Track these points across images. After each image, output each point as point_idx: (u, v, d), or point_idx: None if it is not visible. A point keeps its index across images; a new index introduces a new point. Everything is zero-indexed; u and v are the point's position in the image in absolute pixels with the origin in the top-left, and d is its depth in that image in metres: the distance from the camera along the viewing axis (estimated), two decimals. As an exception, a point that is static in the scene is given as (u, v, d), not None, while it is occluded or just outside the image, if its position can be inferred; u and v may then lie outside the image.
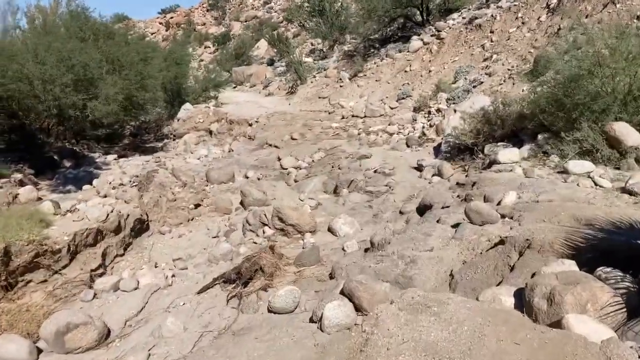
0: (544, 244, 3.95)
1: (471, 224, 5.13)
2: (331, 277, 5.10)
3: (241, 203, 8.55)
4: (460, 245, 4.79)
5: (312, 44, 25.10)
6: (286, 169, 10.54)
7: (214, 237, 7.28)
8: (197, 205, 8.43)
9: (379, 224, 7.03)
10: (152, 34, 41.31)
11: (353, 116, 14.07)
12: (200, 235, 7.42)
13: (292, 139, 12.63)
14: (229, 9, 43.73)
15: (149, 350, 4.28)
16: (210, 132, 15.36)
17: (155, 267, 6.14)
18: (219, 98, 18.88)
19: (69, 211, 6.46)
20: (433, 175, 8.48)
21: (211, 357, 3.77)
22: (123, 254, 6.44)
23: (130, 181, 8.22)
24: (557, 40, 11.01)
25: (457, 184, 7.40)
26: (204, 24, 44.14)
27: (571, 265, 3.48)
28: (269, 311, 4.52)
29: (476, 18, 14.82)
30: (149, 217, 7.64)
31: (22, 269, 4.95)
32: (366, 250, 5.69)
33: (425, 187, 8.02)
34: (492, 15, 14.32)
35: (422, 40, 16.33)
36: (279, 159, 11.11)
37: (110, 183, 8.14)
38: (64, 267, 5.37)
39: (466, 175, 7.98)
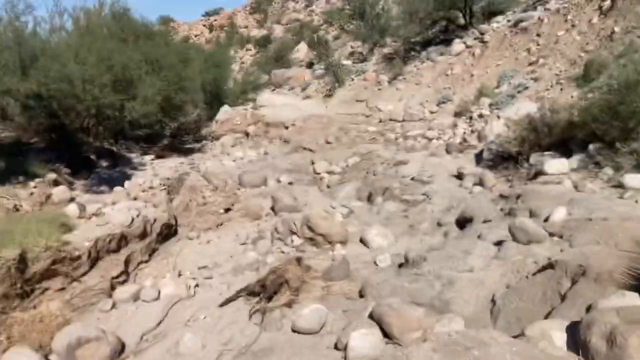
0: (602, 271, 3.49)
1: (516, 242, 4.70)
2: (361, 295, 4.76)
3: (272, 208, 8.30)
4: (504, 266, 4.38)
5: (351, 47, 24.82)
6: (319, 173, 10.25)
7: (242, 244, 7.05)
8: (227, 210, 8.24)
9: (415, 236, 6.64)
10: (195, 36, 42.06)
11: (391, 120, 13.68)
12: (229, 241, 7.20)
13: (327, 142, 12.35)
14: (271, 12, 44.00)
15: (163, 369, 4.05)
16: (247, 135, 15.27)
17: (179, 275, 5.93)
18: (257, 100, 18.82)
19: (94, 214, 6.34)
20: (474, 184, 8.01)
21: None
22: (148, 260, 6.26)
23: (161, 184, 8.11)
24: (610, 43, 10.38)
25: (500, 195, 6.94)
26: (246, 26, 44.51)
27: (635, 299, 3.03)
28: (293, 330, 4.23)
29: (522, 21, 14.28)
30: (177, 222, 7.48)
31: (38, 276, 4.80)
32: (400, 265, 5.33)
33: (465, 198, 7.55)
34: (539, 18, 13.74)
35: (464, 43, 15.89)
36: (313, 163, 10.84)
37: (140, 185, 8.04)
38: (84, 274, 5.21)
39: (510, 186, 7.52)
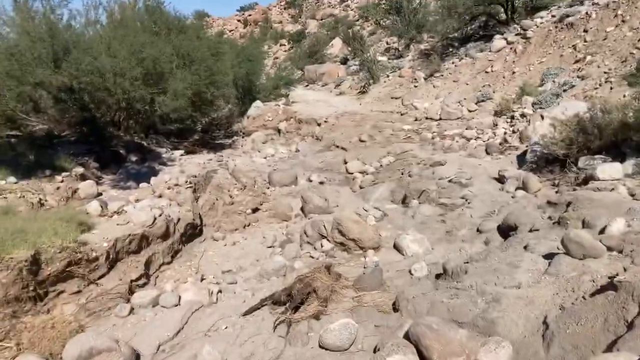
0: (677, 297, 3.03)
1: (569, 256, 4.22)
2: (395, 308, 4.37)
3: (301, 209, 7.98)
4: (556, 283, 3.91)
5: (387, 43, 24.37)
6: (352, 173, 9.86)
7: (269, 247, 6.75)
8: (255, 210, 7.94)
9: (453, 243, 6.20)
10: (230, 31, 42.18)
11: (427, 118, 13.20)
12: (255, 243, 6.90)
13: (361, 141, 11.96)
14: (306, 7, 43.78)
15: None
16: (279, 131, 15.04)
17: (202, 280, 5.63)
18: (289, 96, 18.56)
19: (115, 212, 6.12)
20: (517, 188, 7.49)
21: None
22: (170, 262, 5.99)
23: (187, 181, 7.87)
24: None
25: (548, 202, 6.42)
26: (281, 21, 44.46)
27: None
28: (320, 346, 3.89)
29: (568, 16, 13.65)
30: (203, 222, 7.21)
31: (53, 278, 4.56)
32: (437, 276, 4.91)
33: (507, 203, 7.06)
34: (586, 13, 13.06)
35: (505, 39, 15.33)
36: (345, 162, 10.46)
37: (166, 182, 7.82)
38: (101, 276, 4.96)
39: (557, 192, 6.98)
